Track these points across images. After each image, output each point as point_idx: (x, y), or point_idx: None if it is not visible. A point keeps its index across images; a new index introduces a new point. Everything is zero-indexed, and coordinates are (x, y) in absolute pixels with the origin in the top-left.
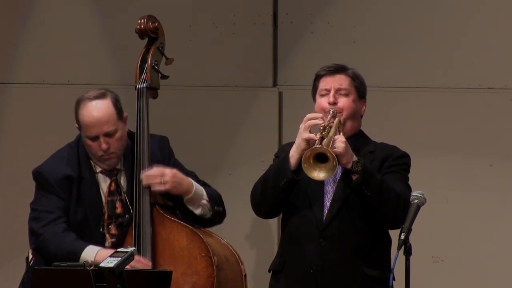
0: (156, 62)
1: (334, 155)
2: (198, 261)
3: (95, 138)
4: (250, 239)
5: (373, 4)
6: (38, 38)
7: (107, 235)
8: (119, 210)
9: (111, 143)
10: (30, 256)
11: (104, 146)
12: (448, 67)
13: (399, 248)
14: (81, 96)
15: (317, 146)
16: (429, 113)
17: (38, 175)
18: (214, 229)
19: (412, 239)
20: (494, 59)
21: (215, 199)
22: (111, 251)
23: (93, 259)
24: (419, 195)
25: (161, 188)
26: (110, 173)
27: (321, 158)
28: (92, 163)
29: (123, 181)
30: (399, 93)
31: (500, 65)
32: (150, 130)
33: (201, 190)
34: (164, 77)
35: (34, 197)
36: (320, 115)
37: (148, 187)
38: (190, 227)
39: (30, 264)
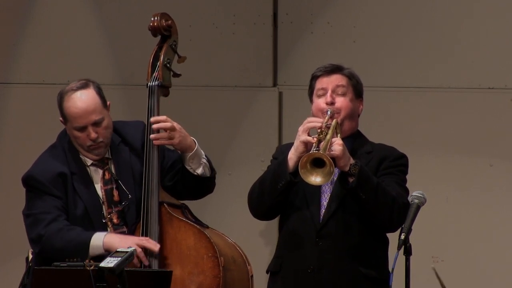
0: (169, 60)
1: (331, 160)
2: (205, 261)
3: (83, 129)
4: (250, 239)
5: (373, 4)
6: (38, 38)
7: (109, 223)
8: (116, 197)
9: (99, 132)
10: (30, 256)
11: (93, 135)
12: (448, 67)
13: (399, 248)
14: (63, 89)
15: (314, 151)
16: (429, 113)
17: (29, 179)
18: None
19: (412, 239)
20: (494, 59)
21: (211, 162)
22: (118, 234)
23: (101, 243)
24: (419, 195)
25: (168, 142)
26: (101, 163)
27: (318, 163)
28: (82, 157)
29: (113, 169)
30: (399, 93)
31: (500, 65)
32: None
33: (200, 149)
34: (176, 75)
35: (26, 203)
36: (320, 119)
37: (158, 145)
38: (198, 226)
39: (30, 264)
